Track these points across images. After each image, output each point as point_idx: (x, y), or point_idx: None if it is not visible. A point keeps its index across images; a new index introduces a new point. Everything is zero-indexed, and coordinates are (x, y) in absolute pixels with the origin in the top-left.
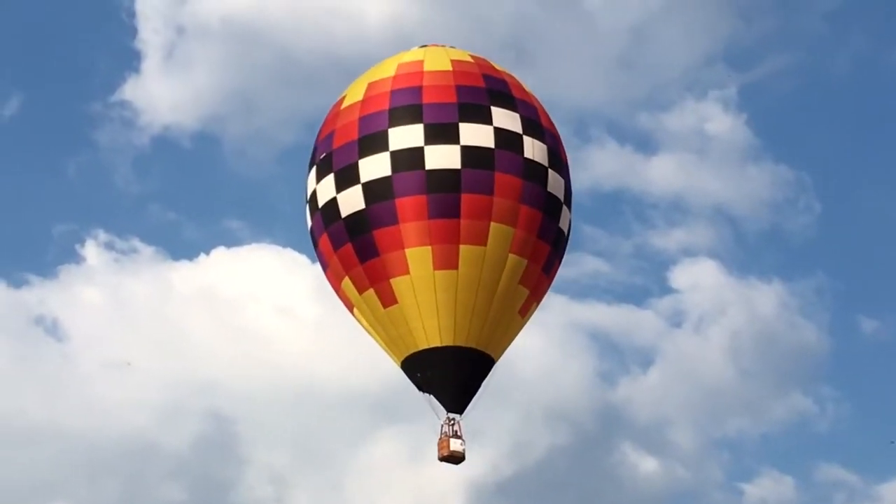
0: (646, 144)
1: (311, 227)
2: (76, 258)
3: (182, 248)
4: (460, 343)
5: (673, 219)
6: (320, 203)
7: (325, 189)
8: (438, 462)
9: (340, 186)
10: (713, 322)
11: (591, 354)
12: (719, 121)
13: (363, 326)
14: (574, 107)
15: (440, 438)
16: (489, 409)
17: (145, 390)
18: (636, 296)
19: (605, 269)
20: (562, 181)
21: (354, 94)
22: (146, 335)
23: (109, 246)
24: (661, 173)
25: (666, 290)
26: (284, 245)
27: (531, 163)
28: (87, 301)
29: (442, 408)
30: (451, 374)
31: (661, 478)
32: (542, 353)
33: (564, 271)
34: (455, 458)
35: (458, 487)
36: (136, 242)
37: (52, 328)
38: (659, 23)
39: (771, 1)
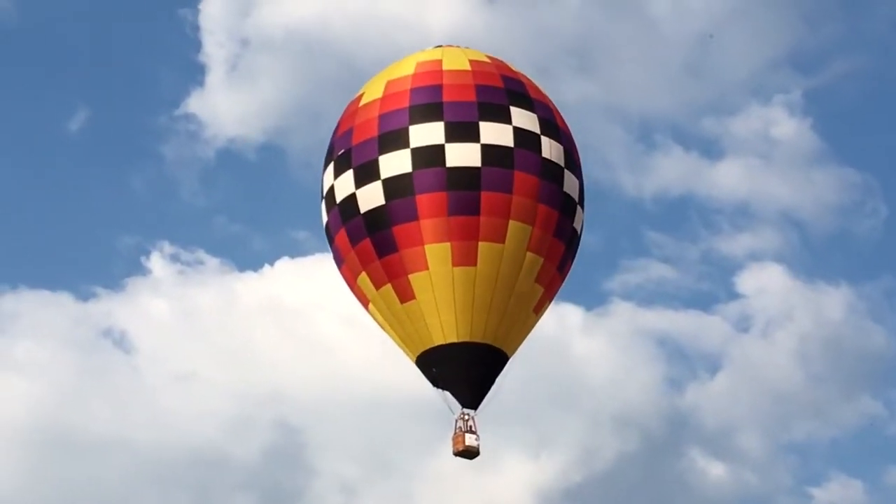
0: (711, 150)
1: (327, 223)
2: (142, 270)
3: (247, 259)
4: (476, 339)
5: (739, 224)
6: (338, 198)
7: (344, 185)
8: (453, 457)
9: (360, 182)
10: (780, 327)
11: (659, 360)
12: (785, 125)
13: (378, 322)
14: (639, 113)
15: (455, 434)
16: (558, 416)
17: (213, 401)
18: (703, 301)
19: (672, 274)
20: (576, 181)
21: (373, 91)
22: (213, 346)
23: (175, 258)
24: (727, 178)
25: (733, 295)
26: None
27: (548, 162)
28: (154, 313)
29: (457, 403)
30: (466, 370)
31: (730, 483)
32: (610, 360)
33: (630, 277)
34: (470, 453)
35: (527, 494)
36: (202, 254)
37: (119, 340)
38: (724, 28)
39: (835, 5)
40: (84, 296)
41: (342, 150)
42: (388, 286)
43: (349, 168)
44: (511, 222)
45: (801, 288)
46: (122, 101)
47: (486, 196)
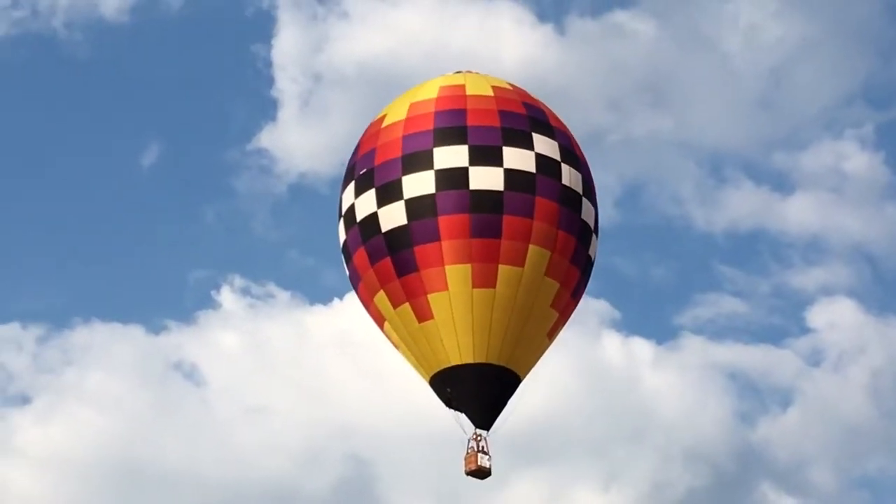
0: (783, 184)
1: (346, 241)
2: (213, 304)
3: (318, 292)
4: (492, 360)
5: (810, 258)
6: (358, 217)
7: (365, 204)
8: (465, 476)
9: (382, 202)
10: (852, 361)
11: (730, 395)
12: (856, 159)
13: (392, 341)
14: (711, 148)
15: (467, 454)
16: (628, 451)
17: (283, 435)
18: (774, 335)
19: (743, 308)
20: (593, 210)
21: (396, 113)
22: (283, 379)
23: (246, 291)
24: (798, 213)
25: (804, 329)
26: None
27: (568, 189)
28: (225, 346)
29: (469, 424)
30: (481, 391)
31: None
32: (681, 394)
33: (702, 311)
34: (482, 473)
35: None
36: (273, 287)
37: (190, 373)
38: (796, 63)
39: None
40: (155, 329)
41: (364, 170)
42: (407, 305)
43: (371, 187)
44: (531, 247)
45: (872, 322)
46: (194, 135)
47: (507, 220)
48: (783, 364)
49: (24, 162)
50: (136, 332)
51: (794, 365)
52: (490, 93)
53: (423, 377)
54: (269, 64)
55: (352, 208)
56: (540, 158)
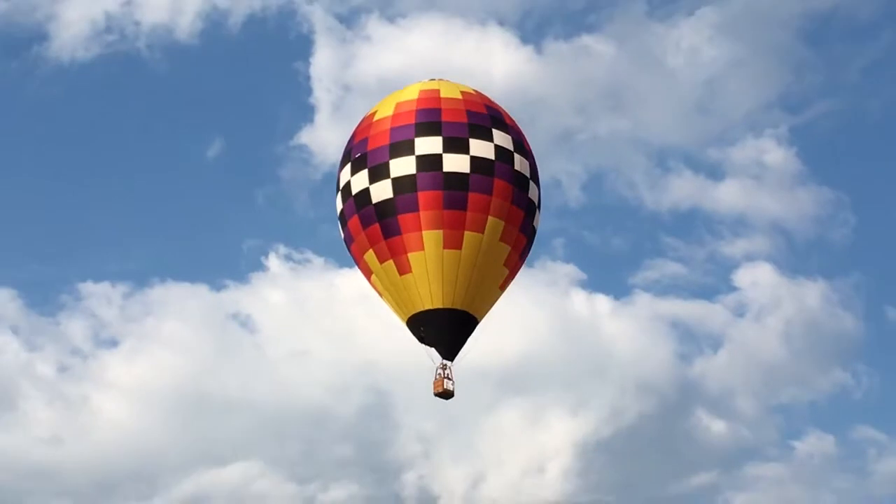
0: (715, 172)
1: (342, 210)
2: (262, 267)
3: (345, 258)
4: (457, 306)
5: (737, 231)
6: (353, 191)
7: (359, 181)
8: (434, 397)
9: (373, 179)
10: (769, 313)
11: (672, 340)
12: (774, 153)
13: (377, 290)
14: (658, 143)
15: (435, 379)
16: (592, 385)
17: (319, 371)
18: (708, 293)
19: (683, 271)
20: (537, 190)
21: (384, 109)
22: (318, 327)
23: (288, 257)
24: (728, 195)
25: (731, 288)
26: None
27: (519, 174)
28: (272, 301)
29: (437, 356)
30: (447, 329)
31: (728, 438)
32: (633, 339)
33: (650, 273)
34: (447, 394)
35: (567, 445)
36: (310, 254)
37: (245, 322)
38: (727, 77)
39: (816, 58)
40: (217, 287)
41: (359, 154)
42: (391, 261)
43: (364, 168)
44: (490, 218)
45: (786, 283)
46: (249, 133)
47: (472, 196)
48: (715, 315)
49: (114, 155)
50: (201, 290)
51: (723, 316)
52: (459, 96)
53: (401, 318)
54: (307, 77)
55: (348, 184)
56: (498, 149)
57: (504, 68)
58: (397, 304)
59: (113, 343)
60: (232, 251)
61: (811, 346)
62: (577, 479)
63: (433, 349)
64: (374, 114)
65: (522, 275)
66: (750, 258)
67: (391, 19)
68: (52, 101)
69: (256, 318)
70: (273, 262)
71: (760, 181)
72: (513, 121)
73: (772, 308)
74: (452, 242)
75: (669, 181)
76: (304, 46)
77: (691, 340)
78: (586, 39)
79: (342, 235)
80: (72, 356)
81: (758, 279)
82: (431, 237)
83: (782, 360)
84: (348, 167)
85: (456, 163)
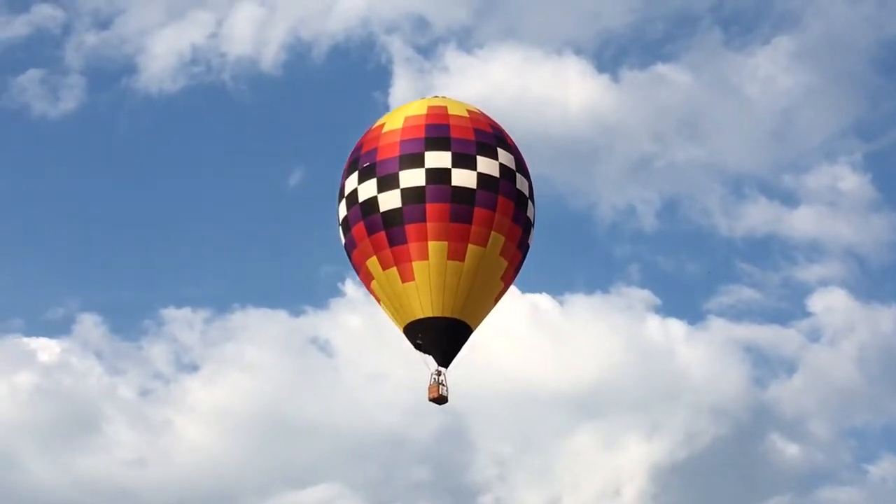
0: (790, 199)
1: (346, 216)
2: (340, 293)
3: None
4: (456, 315)
5: (811, 257)
6: (360, 199)
7: (367, 189)
8: (428, 402)
9: (382, 189)
10: (843, 338)
11: (746, 364)
12: (849, 180)
13: (374, 296)
14: (733, 171)
15: (430, 385)
16: (666, 408)
17: (397, 394)
18: (782, 317)
19: (758, 297)
20: (533, 209)
21: (394, 122)
22: (395, 351)
23: None
24: (802, 222)
25: (806, 313)
26: None
27: (520, 193)
28: (350, 326)
29: (433, 362)
30: (444, 337)
31: (802, 461)
32: (708, 364)
33: (725, 298)
34: (441, 400)
35: (642, 469)
36: None
37: (323, 347)
38: (802, 105)
39: (893, 86)
40: (296, 312)
41: (367, 163)
42: (394, 269)
43: (373, 177)
44: (492, 233)
45: (860, 308)
46: (328, 162)
47: (477, 211)
48: (789, 340)
49: (199, 184)
50: (281, 316)
51: (797, 341)
52: (466, 114)
53: (399, 325)
54: (386, 107)
55: (354, 192)
56: (502, 167)
57: (581, 97)
58: (396, 310)
59: (194, 367)
60: (310, 277)
61: (885, 370)
62: (652, 502)
63: (429, 356)
64: (382, 125)
65: (598, 300)
66: (824, 283)
67: (469, 50)
68: (140, 132)
69: (334, 343)
70: (350, 287)
71: (835, 207)
72: (513, 141)
73: (846, 333)
74: (456, 254)
75: (744, 208)
76: (382, 77)
77: (765, 365)
78: (662, 68)
79: (343, 241)
80: (154, 380)
81: (832, 304)
82: (436, 248)
83: (856, 384)
84: (355, 175)
85: (464, 178)
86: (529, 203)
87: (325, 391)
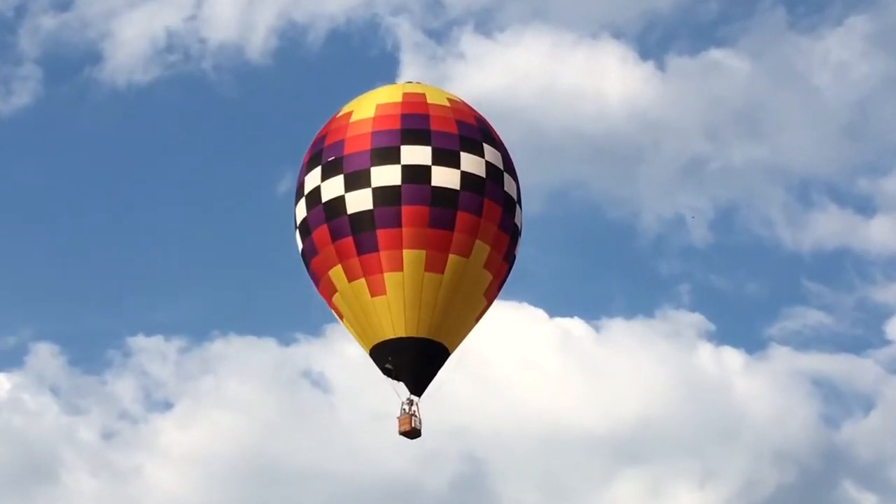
0: (865, 207)
1: (305, 218)
2: (336, 318)
3: None
4: (432, 336)
5: (891, 275)
6: (324, 199)
7: (332, 187)
8: (399, 436)
9: (350, 187)
10: None
11: (815, 400)
12: None
13: (337, 312)
14: (799, 173)
15: (401, 416)
16: (722, 452)
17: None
18: (856, 346)
19: (828, 321)
20: (521, 214)
21: (363, 111)
22: (402, 387)
23: None
24: (880, 233)
25: (884, 340)
26: (521, 301)
27: (507, 195)
28: (348, 356)
29: (404, 390)
30: (417, 361)
31: None
32: (770, 399)
33: (789, 323)
34: (413, 433)
35: None
36: None
37: (317, 381)
38: (880, 97)
39: None
40: (286, 341)
41: (332, 157)
42: (362, 280)
43: (339, 173)
44: (477, 241)
45: None
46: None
47: (461, 216)
48: (865, 372)
49: (173, 192)
50: (268, 345)
51: (874, 372)
52: (447, 104)
53: (364, 347)
54: None
55: (317, 190)
56: (489, 166)
57: (621, 88)
58: (363, 329)
59: (167, 405)
60: (303, 300)
61: None
62: None
63: (400, 382)
64: (349, 114)
65: (641, 325)
66: None
67: (488, 33)
68: (105, 131)
69: (330, 376)
70: None
71: None
72: (498, 135)
73: None
74: (435, 265)
75: (812, 217)
76: (388, 66)
77: (837, 401)
78: (716, 54)
79: (300, 247)
80: (120, 420)
81: None
82: (412, 257)
83: None
84: (317, 171)
85: (445, 177)
86: (517, 207)
87: (319, 432)
